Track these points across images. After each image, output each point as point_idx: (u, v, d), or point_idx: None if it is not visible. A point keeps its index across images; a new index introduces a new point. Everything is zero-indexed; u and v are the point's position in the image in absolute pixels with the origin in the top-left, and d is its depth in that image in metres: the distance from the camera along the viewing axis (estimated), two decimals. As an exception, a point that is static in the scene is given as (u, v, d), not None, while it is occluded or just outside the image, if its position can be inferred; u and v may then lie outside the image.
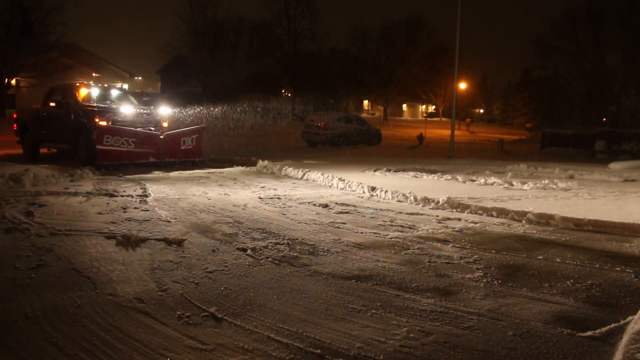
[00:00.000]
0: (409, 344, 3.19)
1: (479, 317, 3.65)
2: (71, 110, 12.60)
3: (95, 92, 13.65)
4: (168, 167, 12.44)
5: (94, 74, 35.84)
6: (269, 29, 52.53)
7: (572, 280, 4.50)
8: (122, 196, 7.98)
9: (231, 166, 13.78)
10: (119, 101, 13.73)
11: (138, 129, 12.31)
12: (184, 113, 18.95)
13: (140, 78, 50.66)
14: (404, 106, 70.07)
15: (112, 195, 7.96)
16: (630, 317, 3.62)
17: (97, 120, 11.77)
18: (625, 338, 3.22)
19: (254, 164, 13.56)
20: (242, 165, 13.88)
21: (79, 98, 12.83)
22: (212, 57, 39.23)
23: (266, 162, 13.28)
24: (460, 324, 3.52)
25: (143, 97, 40.50)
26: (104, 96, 13.73)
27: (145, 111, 13.47)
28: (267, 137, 28.26)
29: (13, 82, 24.94)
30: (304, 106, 46.03)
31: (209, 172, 12.15)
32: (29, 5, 26.14)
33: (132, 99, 14.61)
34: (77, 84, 14.18)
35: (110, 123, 11.86)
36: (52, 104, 12.87)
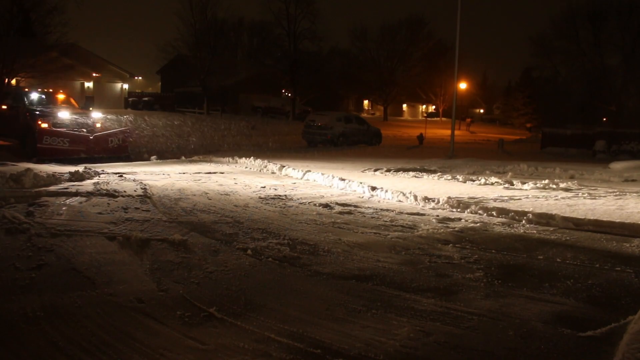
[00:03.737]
0: (409, 344, 3.19)
1: (480, 317, 3.65)
2: (20, 112, 15.28)
3: (41, 97, 16.55)
4: (96, 160, 14.46)
5: (94, 74, 35.75)
6: (269, 29, 52.40)
7: (572, 280, 4.50)
8: (122, 196, 7.97)
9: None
10: (61, 105, 16.43)
11: (72, 131, 14.63)
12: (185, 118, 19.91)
13: (140, 78, 50.56)
14: (404, 106, 69.96)
15: (112, 196, 7.95)
16: (630, 317, 3.62)
17: (39, 122, 14.25)
18: (626, 338, 3.22)
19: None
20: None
21: (26, 102, 15.70)
22: (212, 57, 39.07)
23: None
24: (461, 324, 3.52)
25: (143, 98, 40.58)
26: (49, 100, 16.49)
27: (81, 114, 16.06)
28: (267, 137, 28.25)
29: (13, 82, 24.87)
30: (304, 106, 45.99)
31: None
32: (29, 5, 26.03)
33: (73, 102, 17.34)
34: (27, 90, 17.29)
35: (50, 125, 14.33)
36: (4, 107, 15.95)
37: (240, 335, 3.26)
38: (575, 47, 39.77)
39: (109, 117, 24.88)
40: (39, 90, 17.78)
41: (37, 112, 14.94)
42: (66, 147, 14.09)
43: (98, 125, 16.04)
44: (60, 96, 17.24)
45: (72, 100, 17.35)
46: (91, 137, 14.77)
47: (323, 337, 3.25)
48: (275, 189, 9.46)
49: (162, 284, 4.11)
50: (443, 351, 3.12)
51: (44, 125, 14.22)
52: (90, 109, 17.76)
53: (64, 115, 15.33)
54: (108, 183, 9.35)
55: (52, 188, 8.40)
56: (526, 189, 9.69)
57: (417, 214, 7.37)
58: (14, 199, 7.18)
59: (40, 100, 16.14)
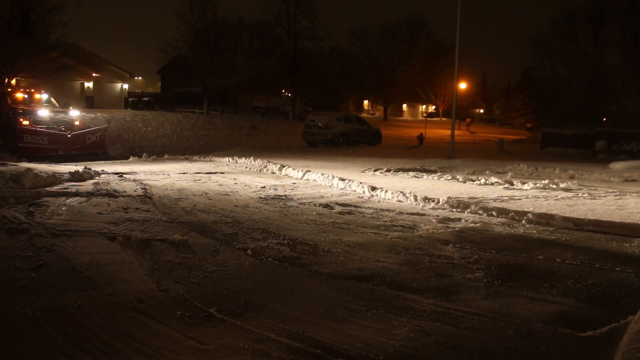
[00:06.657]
0: (409, 344, 3.19)
1: (480, 317, 3.65)
2: (3, 111, 16.30)
3: (23, 96, 17.54)
4: (75, 157, 14.99)
5: (94, 74, 35.77)
6: (269, 29, 52.47)
7: (572, 280, 4.50)
8: (123, 196, 7.97)
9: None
10: (42, 104, 17.32)
11: (50, 130, 15.45)
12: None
13: (140, 78, 50.64)
14: (404, 106, 69.97)
15: (112, 196, 7.95)
16: (630, 317, 3.62)
17: (20, 121, 15.16)
18: (626, 338, 3.22)
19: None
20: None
21: (10, 102, 16.58)
22: (212, 57, 39.07)
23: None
24: (461, 324, 3.52)
25: (143, 98, 40.65)
26: (31, 100, 17.42)
27: (61, 113, 16.98)
28: (267, 137, 28.28)
29: (13, 82, 24.88)
30: (304, 106, 45.99)
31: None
32: (29, 5, 26.03)
33: (54, 101, 18.26)
34: (10, 90, 18.50)
35: (31, 123, 15.21)
36: None
37: (240, 335, 3.26)
38: (575, 47, 39.79)
39: (98, 116, 25.06)
40: (22, 90, 18.84)
41: (19, 111, 15.79)
42: (45, 145, 14.86)
43: (77, 123, 17.01)
44: (41, 95, 18.49)
45: (53, 100, 18.53)
46: (69, 135, 15.52)
47: (323, 337, 3.25)
48: (275, 189, 9.46)
49: (162, 284, 4.11)
50: (443, 351, 3.12)
51: (25, 124, 15.13)
52: (70, 108, 18.76)
53: (44, 114, 16.18)
54: (108, 183, 9.34)
55: (52, 188, 8.40)
56: (526, 189, 9.68)
57: (417, 214, 7.37)
58: (14, 199, 7.17)
59: (22, 100, 17.28)
